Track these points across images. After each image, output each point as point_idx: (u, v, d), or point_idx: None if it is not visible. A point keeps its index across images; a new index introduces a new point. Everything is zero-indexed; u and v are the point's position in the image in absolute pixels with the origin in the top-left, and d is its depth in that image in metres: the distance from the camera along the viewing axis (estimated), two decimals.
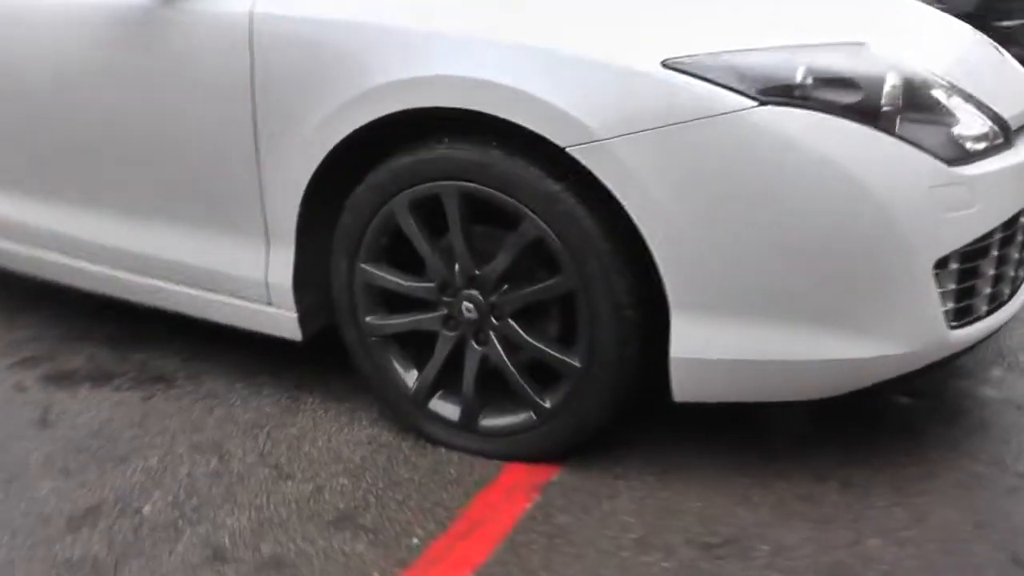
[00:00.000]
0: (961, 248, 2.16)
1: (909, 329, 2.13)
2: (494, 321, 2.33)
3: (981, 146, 2.23)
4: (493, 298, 2.31)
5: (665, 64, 2.05)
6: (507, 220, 2.30)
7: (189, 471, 2.41)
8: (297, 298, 2.54)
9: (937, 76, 2.22)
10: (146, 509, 2.26)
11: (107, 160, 2.71)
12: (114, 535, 2.17)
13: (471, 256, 2.30)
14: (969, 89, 2.29)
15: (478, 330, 2.36)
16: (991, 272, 2.29)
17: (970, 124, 2.23)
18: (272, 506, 2.26)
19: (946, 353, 2.23)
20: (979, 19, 3.71)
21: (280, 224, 2.48)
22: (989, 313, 2.32)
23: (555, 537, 2.12)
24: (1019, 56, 2.87)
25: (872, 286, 2.08)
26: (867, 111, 2.07)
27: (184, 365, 2.94)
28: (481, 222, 2.30)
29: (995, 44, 2.86)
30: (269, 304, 2.57)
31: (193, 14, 2.47)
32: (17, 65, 2.80)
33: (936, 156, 2.11)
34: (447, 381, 2.46)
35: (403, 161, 2.29)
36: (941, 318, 2.16)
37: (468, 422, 2.42)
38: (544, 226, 2.17)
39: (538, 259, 2.30)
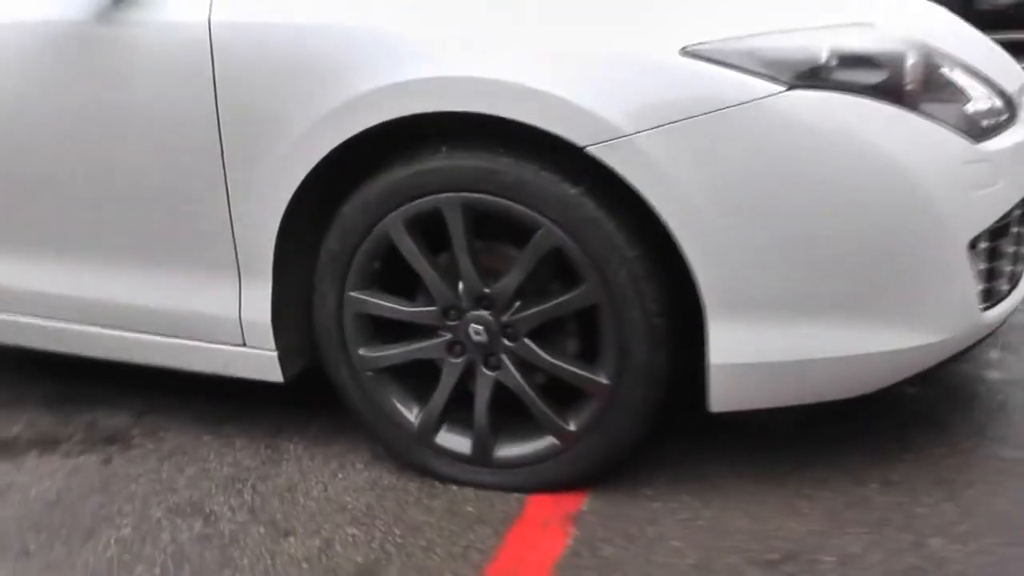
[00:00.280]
0: (990, 227, 2.09)
1: (946, 314, 2.04)
2: (506, 343, 2.15)
3: (992, 122, 2.17)
4: (505, 317, 2.13)
5: (687, 52, 1.92)
6: (512, 233, 2.13)
7: (172, 537, 2.14)
8: (276, 335, 2.30)
9: (947, 52, 2.16)
10: None
11: (51, 198, 2.42)
12: None
13: (478, 274, 2.12)
14: (973, 65, 2.23)
15: (488, 354, 2.17)
16: (1011, 250, 2.24)
17: (981, 100, 2.17)
18: (279, 567, 2.02)
19: (980, 336, 2.16)
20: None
21: (253, 256, 2.25)
22: (1008, 293, 2.26)
23: (607, 571, 1.95)
24: (1011, 40, 2.85)
25: (912, 272, 1.98)
26: (892, 90, 1.98)
27: (138, 421, 2.65)
28: (479, 237, 2.12)
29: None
30: (244, 344, 2.33)
31: (138, 26, 2.22)
32: None
33: (960, 133, 2.03)
34: (451, 413, 2.26)
35: (396, 175, 2.10)
36: (975, 300, 2.08)
37: (482, 455, 2.23)
38: (562, 235, 2.01)
39: (551, 272, 2.14)
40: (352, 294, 2.21)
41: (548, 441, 2.18)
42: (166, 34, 2.19)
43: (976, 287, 2.08)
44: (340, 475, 2.35)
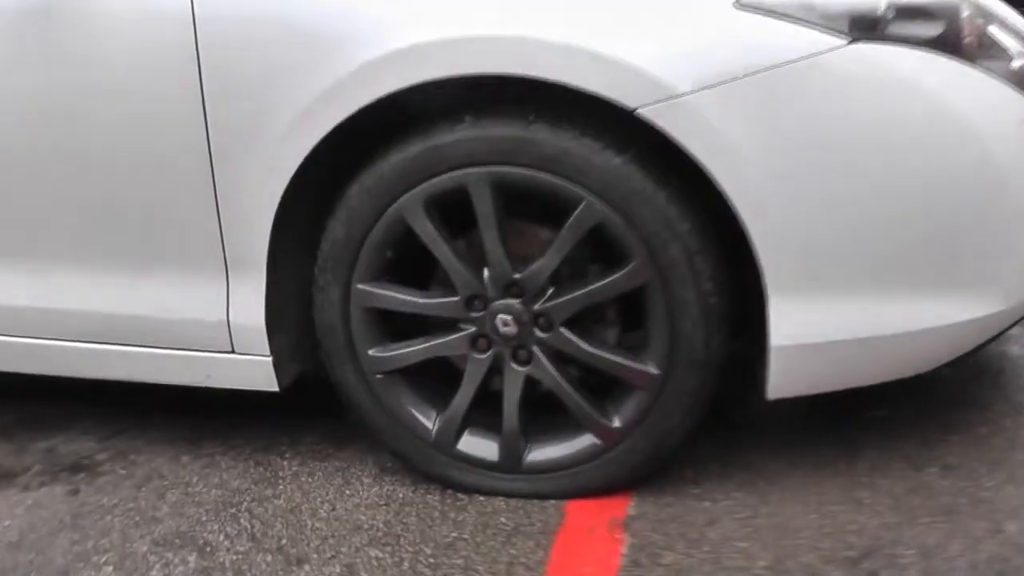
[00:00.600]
0: None
1: (1013, 280, 1.91)
2: (539, 334, 1.94)
3: None
4: (538, 306, 1.92)
5: (742, 5, 1.75)
6: (538, 212, 1.94)
7: (165, 574, 1.87)
8: (270, 338, 2.04)
9: (985, 5, 2.04)
10: None
11: (7, 195, 2.11)
12: None
13: (509, 259, 1.90)
14: (1008, 20, 2.12)
15: (518, 347, 1.96)
16: None
17: (1019, 57, 2.06)
18: None
19: None
20: None
21: (244, 249, 1.99)
22: None
23: None
24: None
25: (982, 236, 1.84)
26: (950, 43, 1.84)
27: (103, 445, 2.35)
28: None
29: None
30: (232, 351, 2.07)
31: None
32: None
33: (1018, 90, 1.91)
34: (473, 417, 2.05)
35: (413, 150, 1.87)
36: None
37: (511, 460, 2.01)
38: (606, 209, 1.81)
39: (587, 253, 1.95)
40: (360, 287, 1.97)
41: (587, 441, 1.98)
42: (142, 4, 1.92)
43: None
44: (347, 491, 2.10)
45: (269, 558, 1.90)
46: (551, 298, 1.91)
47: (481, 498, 2.04)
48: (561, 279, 1.92)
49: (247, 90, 1.89)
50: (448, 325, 2.00)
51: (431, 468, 2.06)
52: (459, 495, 2.05)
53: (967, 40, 1.87)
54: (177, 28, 1.88)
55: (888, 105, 1.76)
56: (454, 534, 1.93)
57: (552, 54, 1.74)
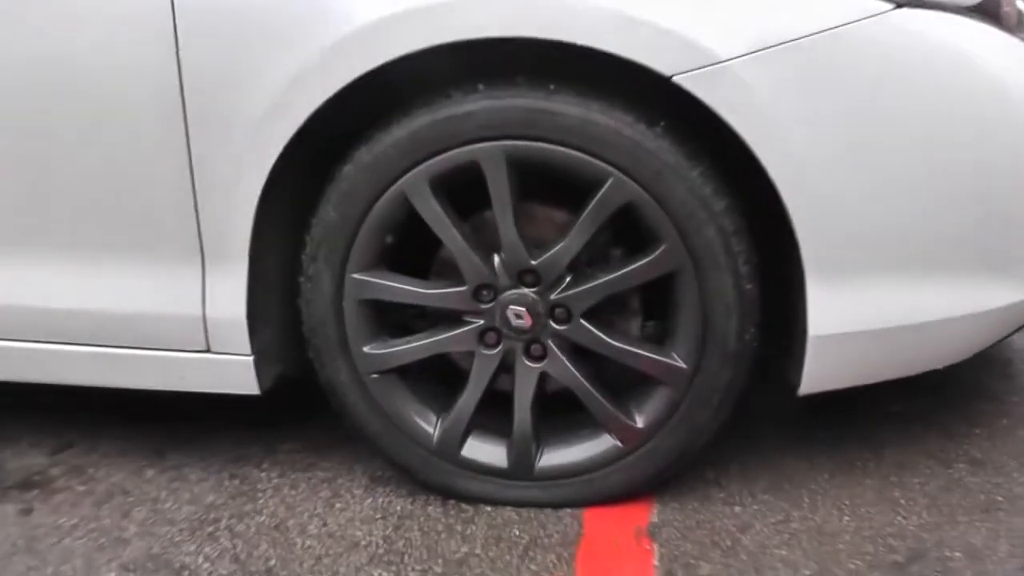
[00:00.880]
0: None
1: None
2: (555, 326, 1.77)
3: None
4: (554, 295, 1.75)
5: None
6: (554, 193, 1.78)
7: None
8: (251, 335, 1.83)
9: None
10: None
11: None
12: None
13: (524, 244, 1.73)
14: None
15: (531, 341, 1.79)
16: None
17: None
18: None
19: None
20: None
21: (224, 236, 1.78)
22: None
23: None
24: None
25: None
26: (991, 12, 1.74)
27: (56, 459, 2.10)
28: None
29: None
30: (207, 350, 1.85)
31: None
32: None
33: None
34: (478, 420, 1.87)
35: (419, 123, 1.69)
36: None
37: (522, 466, 1.84)
38: (636, 187, 1.66)
39: (608, 237, 1.79)
40: (356, 276, 1.78)
41: (606, 443, 1.82)
42: None
43: None
44: (337, 504, 1.90)
45: None
46: (569, 287, 1.74)
47: (488, 509, 1.86)
48: (577, 267, 1.76)
49: (229, 59, 1.68)
50: (451, 318, 1.82)
51: (432, 477, 1.88)
52: (464, 506, 1.87)
53: (1006, 9, 1.77)
54: None
55: (936, 74, 1.64)
56: (464, 549, 1.75)
57: (581, 16, 1.58)
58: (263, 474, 2.01)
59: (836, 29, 1.59)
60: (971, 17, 1.69)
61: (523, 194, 1.74)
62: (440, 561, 1.72)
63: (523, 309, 1.75)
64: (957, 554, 1.69)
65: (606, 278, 1.73)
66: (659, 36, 1.58)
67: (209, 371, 1.86)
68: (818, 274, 1.67)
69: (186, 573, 1.72)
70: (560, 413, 1.87)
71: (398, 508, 1.88)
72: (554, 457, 1.84)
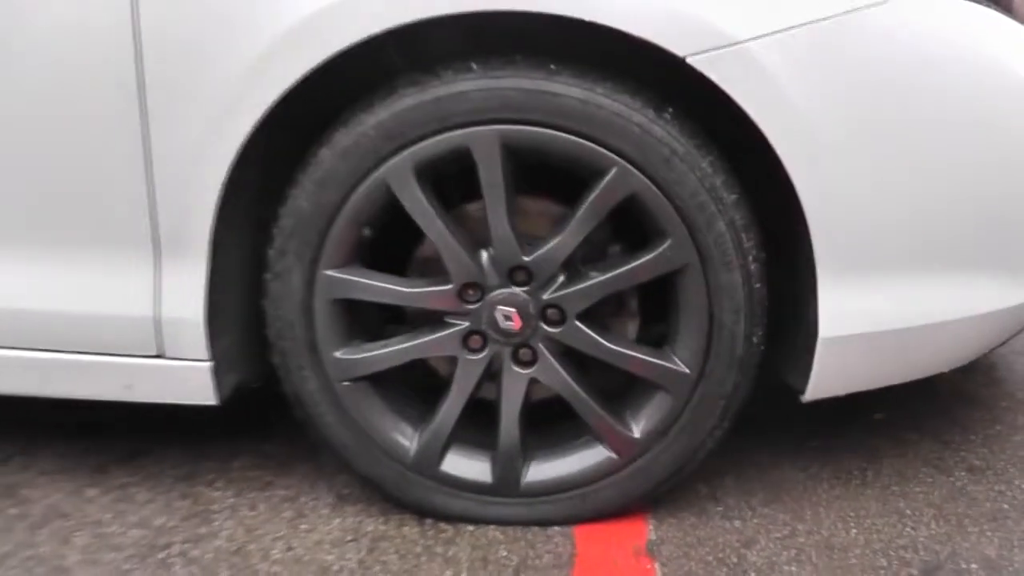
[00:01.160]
0: None
1: None
2: (547, 329, 1.63)
3: None
4: (547, 295, 1.62)
5: None
6: (544, 184, 1.65)
7: None
8: (211, 338, 1.66)
9: None
10: None
11: None
12: None
13: (517, 238, 1.59)
14: None
15: (520, 345, 1.65)
16: None
17: None
18: None
19: None
20: None
21: (181, 228, 1.60)
22: None
23: None
24: None
25: None
26: (1002, 2, 1.67)
27: None
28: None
29: None
30: (160, 355, 1.67)
31: None
32: None
33: None
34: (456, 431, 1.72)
35: (404, 104, 1.54)
36: None
37: (508, 481, 1.70)
38: (643, 177, 1.53)
39: (606, 232, 1.67)
40: (329, 273, 1.62)
41: (599, 455, 1.69)
42: None
43: None
44: (302, 525, 1.73)
45: None
46: (564, 286, 1.61)
47: (470, 528, 1.72)
48: (572, 265, 1.63)
49: (193, 30, 1.50)
50: (431, 321, 1.67)
51: (408, 494, 1.72)
52: (443, 525, 1.72)
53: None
54: None
55: (956, 62, 1.55)
56: (448, 572, 1.60)
57: None
58: (217, 493, 1.83)
59: (856, 12, 1.49)
60: (985, 5, 1.61)
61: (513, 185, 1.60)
62: None
63: (513, 310, 1.61)
64: (974, 566, 1.60)
65: (605, 276, 1.60)
66: (673, 15, 1.46)
67: (161, 379, 1.67)
68: (831, 272, 1.57)
69: None
70: (546, 423, 1.74)
71: (370, 529, 1.72)
72: (542, 471, 1.71)
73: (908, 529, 1.71)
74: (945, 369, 1.76)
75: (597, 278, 1.60)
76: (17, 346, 1.68)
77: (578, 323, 1.62)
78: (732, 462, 1.90)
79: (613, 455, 1.67)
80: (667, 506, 1.76)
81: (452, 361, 1.67)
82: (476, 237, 1.63)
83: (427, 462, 1.70)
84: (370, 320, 1.73)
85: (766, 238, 1.62)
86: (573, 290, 1.60)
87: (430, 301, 1.64)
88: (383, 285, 1.63)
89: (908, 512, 1.76)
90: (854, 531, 1.70)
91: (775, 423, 2.03)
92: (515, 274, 1.61)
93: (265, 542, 1.68)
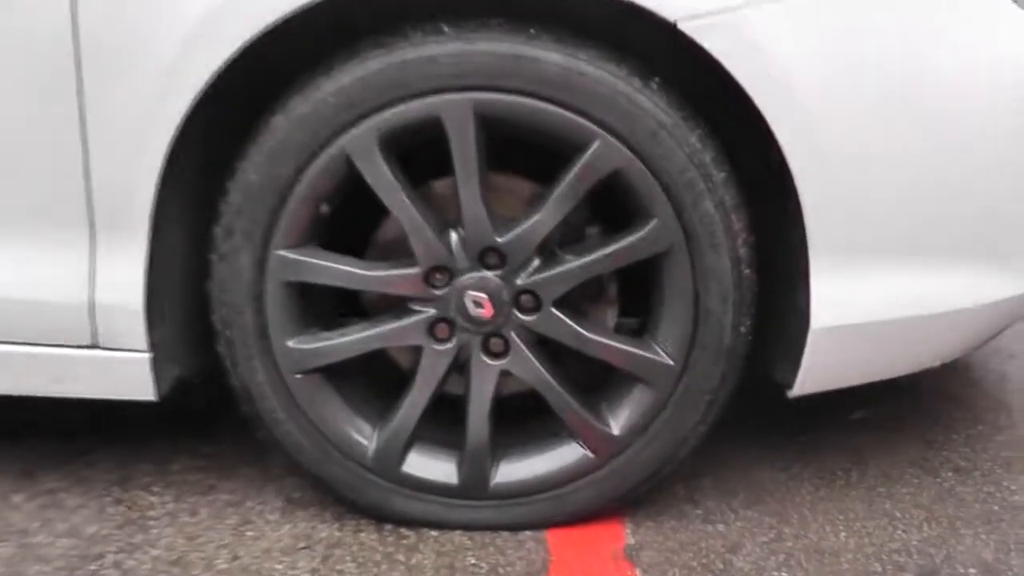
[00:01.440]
0: None
1: None
2: (520, 316, 1.50)
3: None
4: (521, 279, 1.48)
5: None
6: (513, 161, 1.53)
7: None
8: (150, 327, 1.49)
9: None
10: None
11: None
12: None
13: (490, 217, 1.46)
14: None
15: (491, 334, 1.51)
16: None
17: None
18: None
19: None
20: None
21: (119, 203, 1.45)
22: None
23: None
24: None
25: None
26: None
27: None
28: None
29: None
30: (94, 344, 1.50)
31: None
32: None
33: None
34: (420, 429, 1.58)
35: (369, 67, 1.40)
36: None
37: (476, 483, 1.56)
38: (627, 151, 1.41)
39: (583, 212, 1.55)
40: (282, 254, 1.47)
41: (574, 453, 1.56)
42: None
43: None
44: (248, 533, 1.58)
45: None
46: (539, 270, 1.48)
47: (434, 533, 1.57)
48: (547, 247, 1.50)
49: None
50: (393, 308, 1.53)
51: (365, 496, 1.57)
52: (404, 531, 1.58)
53: None
54: None
55: (964, 28, 1.46)
56: None
57: None
58: (154, 498, 1.67)
59: None
60: None
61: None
62: None
63: (484, 296, 1.48)
64: (972, 570, 1.50)
65: (584, 259, 1.47)
66: None
67: (94, 372, 1.51)
68: (825, 257, 1.46)
69: None
70: (517, 420, 1.60)
71: (324, 535, 1.57)
72: (512, 471, 1.57)
73: (900, 532, 1.60)
74: (940, 362, 1.67)
75: (576, 261, 1.47)
76: None
77: (554, 310, 1.49)
78: (709, 462, 1.78)
79: (589, 453, 1.54)
80: (644, 509, 1.63)
81: (416, 352, 1.53)
82: (443, 218, 1.49)
83: (387, 462, 1.55)
84: (322, 311, 1.59)
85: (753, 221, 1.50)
86: (550, 274, 1.48)
87: (394, 285, 1.50)
88: (342, 268, 1.49)
89: (897, 514, 1.65)
90: (843, 534, 1.59)
91: (751, 421, 1.92)
92: (487, 257, 1.48)
93: (208, 551, 1.52)
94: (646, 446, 1.53)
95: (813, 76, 1.39)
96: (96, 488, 1.69)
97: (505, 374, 1.52)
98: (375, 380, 1.62)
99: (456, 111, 1.40)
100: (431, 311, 1.50)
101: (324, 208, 1.46)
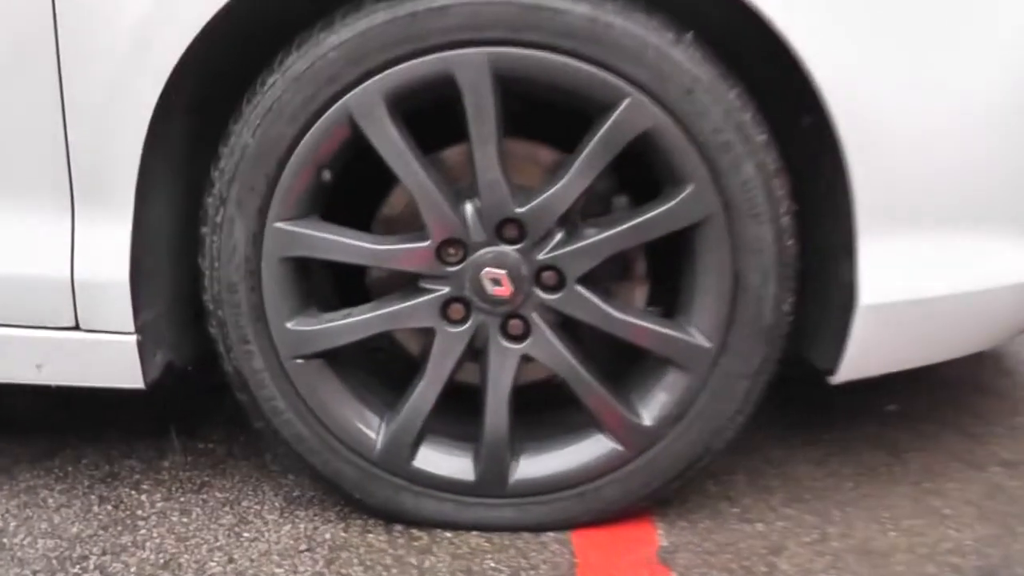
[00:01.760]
0: None
1: None
2: (542, 295, 1.32)
3: None
4: (543, 254, 1.31)
5: None
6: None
7: None
8: (136, 307, 1.32)
9: None
10: None
11: None
12: None
13: (509, 184, 1.29)
14: None
15: (510, 315, 1.34)
16: None
17: None
18: None
19: None
20: None
21: (101, 172, 1.28)
22: None
23: None
24: None
25: None
26: None
27: None
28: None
29: None
30: (75, 326, 1.32)
31: None
32: None
33: None
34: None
35: (375, 19, 1.23)
36: None
37: (494, 479, 1.38)
38: (660, 110, 1.24)
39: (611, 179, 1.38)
40: (280, 226, 1.29)
41: (601, 447, 1.38)
42: None
43: None
44: (246, 534, 1.40)
45: None
46: (562, 244, 1.30)
47: (448, 534, 1.40)
48: (570, 219, 1.32)
49: None
50: (401, 289, 1.35)
51: (372, 494, 1.40)
52: (415, 532, 1.40)
53: None
54: None
55: None
56: None
57: None
58: (143, 496, 1.49)
59: None
60: None
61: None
62: None
63: (502, 272, 1.30)
64: None
65: (612, 231, 1.30)
66: None
67: (77, 356, 1.34)
68: (874, 225, 1.29)
69: None
70: (536, 411, 1.43)
71: (328, 536, 1.39)
72: (533, 467, 1.39)
73: (952, 531, 1.42)
74: (994, 344, 1.49)
75: (603, 233, 1.30)
76: None
77: (579, 288, 1.31)
78: (741, 458, 1.61)
79: (618, 446, 1.37)
80: (676, 507, 1.46)
81: (428, 335, 1.35)
82: (456, 190, 1.32)
83: (396, 457, 1.37)
84: (322, 293, 1.41)
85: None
86: (574, 248, 1.30)
87: (402, 260, 1.32)
88: (347, 241, 1.31)
89: (947, 512, 1.48)
90: (892, 534, 1.41)
91: (780, 412, 1.74)
92: (505, 229, 1.31)
93: (200, 553, 1.34)
94: (679, 438, 1.36)
95: (862, 22, 1.22)
96: (80, 485, 1.51)
97: (525, 359, 1.34)
98: (382, 367, 1.44)
99: (471, 67, 1.23)
100: (444, 289, 1.32)
101: (326, 175, 1.29)
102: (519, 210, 1.29)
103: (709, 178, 1.26)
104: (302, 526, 1.41)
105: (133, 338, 1.32)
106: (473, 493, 1.39)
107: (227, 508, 1.46)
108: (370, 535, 1.39)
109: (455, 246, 1.31)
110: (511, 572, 1.31)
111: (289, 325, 1.33)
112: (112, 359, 1.33)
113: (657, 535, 1.40)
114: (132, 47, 1.22)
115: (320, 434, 1.37)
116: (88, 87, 1.24)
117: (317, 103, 1.25)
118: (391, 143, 1.26)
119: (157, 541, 1.37)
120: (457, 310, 1.33)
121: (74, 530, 1.39)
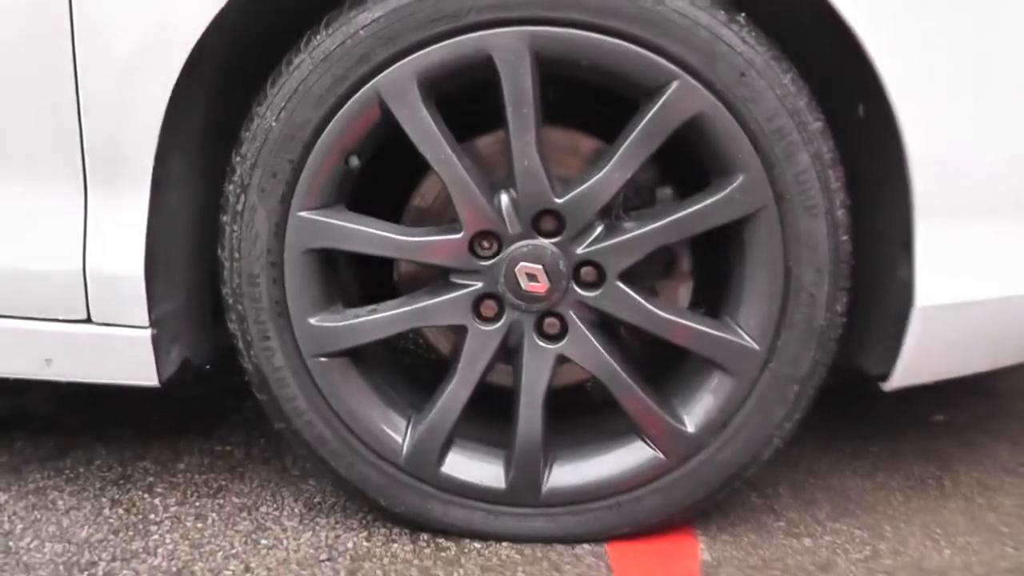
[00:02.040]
0: None
1: None
2: (580, 292, 1.21)
3: None
4: (582, 248, 1.20)
5: None
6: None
7: None
8: (151, 299, 1.22)
9: None
10: None
11: None
12: None
13: (547, 173, 1.18)
14: None
15: (546, 312, 1.23)
16: None
17: None
18: None
19: None
20: None
21: (116, 157, 1.18)
22: None
23: None
24: None
25: None
26: None
27: None
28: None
29: None
30: (87, 319, 1.22)
31: None
32: None
33: None
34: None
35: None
36: None
37: (526, 487, 1.27)
38: (710, 95, 1.13)
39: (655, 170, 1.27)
40: (304, 215, 1.19)
41: (641, 454, 1.27)
42: None
43: None
44: (263, 541, 1.29)
45: None
46: (602, 237, 1.20)
47: (477, 545, 1.29)
48: (611, 212, 1.22)
49: None
50: (432, 285, 1.25)
51: (398, 501, 1.29)
52: (443, 542, 1.29)
53: None
54: None
55: None
56: None
57: None
58: (156, 500, 1.39)
59: None
60: None
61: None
62: None
63: (538, 267, 1.20)
64: None
65: (655, 225, 1.19)
66: None
67: (88, 351, 1.24)
68: (934, 221, 1.18)
69: None
70: (571, 416, 1.32)
71: (350, 545, 1.28)
72: (567, 474, 1.28)
73: (1009, 549, 1.31)
74: None
75: (646, 227, 1.19)
76: None
77: (620, 284, 1.20)
78: (783, 469, 1.49)
79: (659, 454, 1.25)
80: (717, 520, 1.34)
81: (459, 333, 1.24)
82: (490, 180, 1.21)
83: (424, 462, 1.26)
84: (346, 289, 1.31)
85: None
86: (615, 242, 1.19)
87: (433, 253, 1.21)
88: (375, 232, 1.21)
89: (1003, 528, 1.36)
90: (947, 551, 1.30)
91: (822, 421, 1.63)
92: (542, 221, 1.20)
93: (215, 561, 1.24)
94: (724, 446, 1.24)
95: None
96: (91, 487, 1.42)
97: (561, 360, 1.23)
98: (410, 367, 1.33)
99: (509, 48, 1.13)
100: (476, 285, 1.22)
101: (354, 162, 1.19)
102: (558, 201, 1.18)
103: (761, 168, 1.15)
104: (323, 534, 1.31)
105: (148, 332, 1.22)
106: (504, 501, 1.28)
107: (244, 514, 1.36)
108: (394, 544, 1.28)
109: (489, 239, 1.21)
110: None
111: (312, 321, 1.23)
112: (125, 354, 1.23)
113: (699, 549, 1.28)
114: (150, 26, 1.12)
115: (343, 436, 1.26)
116: (102, 69, 1.14)
117: (346, 84, 1.15)
118: (423, 127, 1.16)
119: (170, 547, 1.26)
120: (490, 307, 1.23)
121: (83, 534, 1.29)
